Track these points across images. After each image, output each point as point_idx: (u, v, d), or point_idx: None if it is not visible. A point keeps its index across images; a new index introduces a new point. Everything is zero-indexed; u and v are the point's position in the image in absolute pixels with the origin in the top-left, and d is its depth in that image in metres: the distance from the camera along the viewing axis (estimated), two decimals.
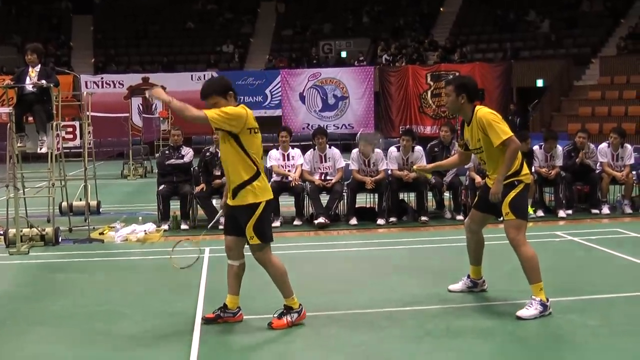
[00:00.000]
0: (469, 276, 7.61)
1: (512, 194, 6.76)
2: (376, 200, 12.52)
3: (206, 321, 6.67)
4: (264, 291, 7.17)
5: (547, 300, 6.67)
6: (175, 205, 12.27)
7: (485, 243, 7.52)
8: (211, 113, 6.18)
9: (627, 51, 30.75)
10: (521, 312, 6.61)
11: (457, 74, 30.65)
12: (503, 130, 6.70)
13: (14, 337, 6.53)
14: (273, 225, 11.68)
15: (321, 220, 11.86)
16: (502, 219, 6.92)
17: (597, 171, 12.87)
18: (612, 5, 34.34)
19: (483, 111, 6.84)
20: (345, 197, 12.50)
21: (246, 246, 6.55)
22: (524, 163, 6.92)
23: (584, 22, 34.16)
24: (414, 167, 8.36)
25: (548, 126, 27.19)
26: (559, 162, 12.63)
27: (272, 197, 6.54)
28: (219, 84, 6.49)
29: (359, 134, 9.22)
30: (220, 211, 6.81)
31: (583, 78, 31.82)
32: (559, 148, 12.78)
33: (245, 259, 6.64)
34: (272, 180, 11.99)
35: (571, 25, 34.24)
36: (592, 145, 13.05)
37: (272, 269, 6.51)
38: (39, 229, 10.86)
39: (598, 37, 33.25)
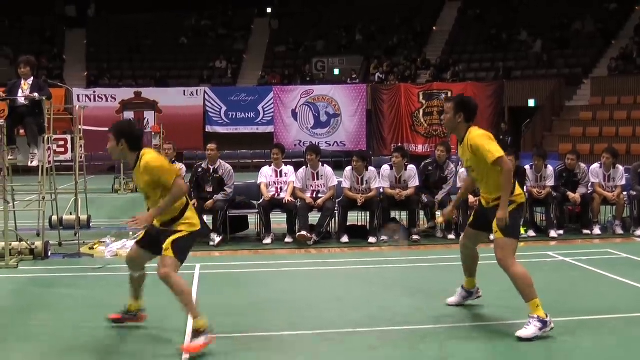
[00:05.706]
0: (463, 287, 7.64)
1: None
2: (367, 218, 12.49)
3: (114, 321, 7.03)
4: (248, 309, 7.12)
5: (547, 315, 6.57)
6: None
7: (479, 259, 7.53)
8: (171, 180, 6.34)
9: (618, 72, 30.90)
10: (521, 332, 6.51)
11: (449, 93, 30.79)
12: (497, 149, 6.70)
13: (0, 353, 6.45)
14: (264, 242, 11.81)
15: (302, 233, 11.80)
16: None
17: (589, 192, 12.88)
18: (603, 26, 34.52)
19: (475, 133, 6.85)
20: (337, 215, 12.47)
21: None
22: (517, 183, 6.91)
23: (575, 43, 34.35)
24: (440, 218, 8.41)
25: (540, 145, 27.24)
26: (550, 182, 12.63)
27: (199, 228, 6.63)
28: (117, 129, 6.56)
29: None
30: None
31: (574, 98, 31.93)
32: (550, 168, 12.77)
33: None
34: (263, 197, 12.01)
35: (563, 45, 34.42)
36: (583, 165, 13.05)
37: (175, 287, 6.39)
38: (29, 242, 10.78)
39: (589, 57, 33.41)
